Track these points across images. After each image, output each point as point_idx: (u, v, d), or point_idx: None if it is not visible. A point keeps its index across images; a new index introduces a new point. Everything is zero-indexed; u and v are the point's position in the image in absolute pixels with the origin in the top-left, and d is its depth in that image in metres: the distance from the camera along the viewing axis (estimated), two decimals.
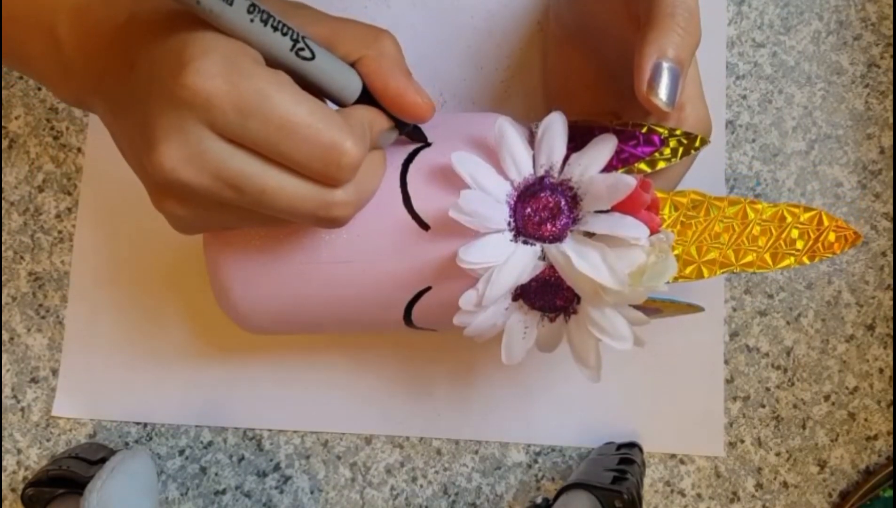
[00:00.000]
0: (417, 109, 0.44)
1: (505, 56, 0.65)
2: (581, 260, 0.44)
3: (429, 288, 0.48)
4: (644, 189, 0.45)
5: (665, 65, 0.44)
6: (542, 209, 0.46)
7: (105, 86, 0.41)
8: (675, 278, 0.47)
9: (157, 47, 0.38)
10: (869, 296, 0.64)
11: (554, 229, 0.46)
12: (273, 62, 0.39)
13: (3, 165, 0.65)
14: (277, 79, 0.38)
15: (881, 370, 0.64)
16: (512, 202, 0.46)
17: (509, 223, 0.46)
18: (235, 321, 0.51)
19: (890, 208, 0.65)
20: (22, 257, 0.65)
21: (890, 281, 0.64)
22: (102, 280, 0.64)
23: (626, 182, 0.44)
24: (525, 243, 0.46)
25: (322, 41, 0.42)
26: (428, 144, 0.48)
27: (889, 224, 0.65)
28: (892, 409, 0.64)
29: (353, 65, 0.43)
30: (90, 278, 0.65)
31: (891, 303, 0.64)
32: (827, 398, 0.64)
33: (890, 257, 0.64)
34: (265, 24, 0.38)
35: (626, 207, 0.45)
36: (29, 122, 0.65)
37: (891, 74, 0.65)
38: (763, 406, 0.64)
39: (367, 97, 0.44)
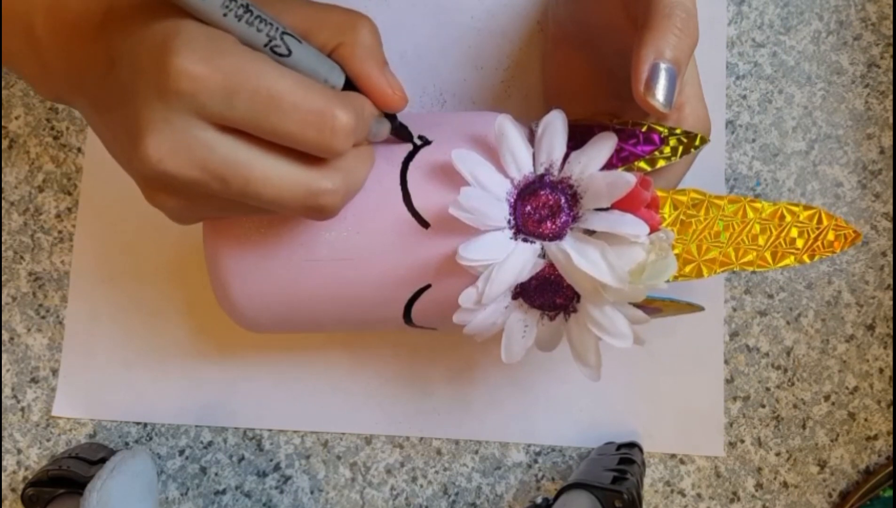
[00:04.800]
0: (386, 97, 0.44)
1: (505, 56, 0.65)
2: (581, 258, 0.44)
3: (428, 286, 0.48)
4: (644, 187, 0.45)
5: (662, 66, 0.44)
6: (541, 207, 0.46)
7: (86, 83, 0.41)
8: (675, 277, 0.47)
9: (137, 39, 0.38)
10: (869, 296, 0.64)
11: (554, 226, 0.46)
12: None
13: (3, 165, 0.65)
14: (259, 56, 0.38)
15: (881, 370, 0.64)
16: (512, 200, 0.46)
17: (509, 221, 0.46)
18: (235, 319, 0.51)
19: (890, 208, 0.65)
20: (22, 257, 0.65)
21: (890, 281, 0.64)
22: (102, 280, 0.64)
23: (625, 179, 0.44)
24: (525, 240, 0.46)
25: (300, 30, 0.42)
26: (428, 143, 0.48)
27: (889, 224, 0.65)
28: (892, 409, 0.64)
29: (330, 53, 0.43)
30: (90, 278, 0.65)
31: (891, 303, 0.64)
32: (827, 398, 0.64)
33: (890, 257, 0.64)
34: (239, 20, 0.38)
35: (625, 204, 0.45)
36: (29, 122, 0.65)
37: (891, 74, 0.65)
38: (763, 406, 0.64)
39: (353, 89, 0.43)
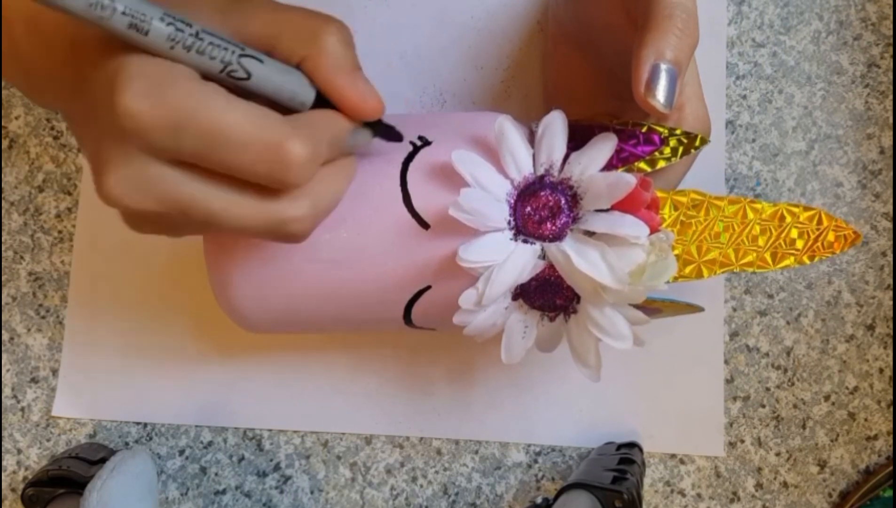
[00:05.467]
0: (357, 109, 0.42)
1: (505, 56, 0.65)
2: (581, 259, 0.44)
3: (429, 287, 0.48)
4: (644, 188, 0.45)
5: (663, 66, 0.44)
6: (541, 208, 0.46)
7: (62, 101, 0.41)
8: (675, 278, 0.47)
9: (95, 73, 0.37)
10: (869, 296, 0.64)
11: (554, 227, 0.46)
12: (210, 78, 0.38)
13: (3, 165, 0.65)
14: (206, 89, 0.37)
15: (881, 370, 0.64)
16: (512, 201, 0.46)
17: (509, 222, 0.46)
18: (235, 320, 0.51)
19: (890, 208, 0.65)
20: (22, 257, 0.65)
21: (890, 281, 0.64)
22: (102, 280, 0.64)
23: (626, 180, 0.44)
24: (525, 241, 0.46)
25: (264, 39, 0.41)
26: (428, 143, 0.48)
27: (889, 224, 0.65)
28: (892, 409, 0.64)
29: (298, 65, 0.41)
30: (90, 278, 0.65)
31: (891, 303, 0.64)
32: (827, 398, 0.64)
33: (890, 257, 0.64)
34: (189, 50, 0.37)
35: (626, 205, 0.45)
36: (29, 122, 0.65)
37: (891, 74, 0.65)
38: (763, 406, 0.64)
39: (326, 100, 0.42)
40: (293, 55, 0.41)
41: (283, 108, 0.40)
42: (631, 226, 0.44)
